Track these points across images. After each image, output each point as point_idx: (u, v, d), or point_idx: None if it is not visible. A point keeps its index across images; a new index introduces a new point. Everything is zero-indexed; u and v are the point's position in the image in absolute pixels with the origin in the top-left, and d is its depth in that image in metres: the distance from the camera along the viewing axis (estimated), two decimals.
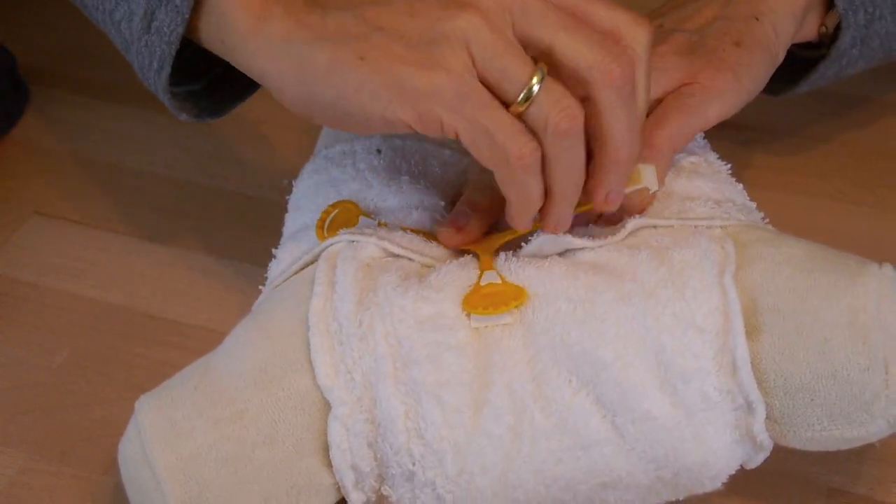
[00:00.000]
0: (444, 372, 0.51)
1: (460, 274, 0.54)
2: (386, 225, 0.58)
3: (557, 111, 0.49)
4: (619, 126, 0.50)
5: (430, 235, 0.57)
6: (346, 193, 0.60)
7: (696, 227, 0.55)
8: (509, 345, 0.52)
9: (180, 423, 0.51)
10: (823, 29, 0.64)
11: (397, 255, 0.56)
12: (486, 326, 0.52)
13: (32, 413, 0.62)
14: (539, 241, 0.54)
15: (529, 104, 0.49)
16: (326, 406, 0.52)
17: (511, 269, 0.54)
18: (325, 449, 0.52)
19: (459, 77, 0.49)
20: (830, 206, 0.72)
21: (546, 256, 0.54)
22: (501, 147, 0.49)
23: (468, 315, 0.52)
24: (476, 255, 0.56)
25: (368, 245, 0.56)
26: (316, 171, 0.63)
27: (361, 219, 0.58)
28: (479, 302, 0.52)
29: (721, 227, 0.55)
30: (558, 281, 0.52)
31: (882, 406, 0.50)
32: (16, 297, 0.69)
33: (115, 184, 0.75)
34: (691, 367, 0.50)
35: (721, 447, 0.51)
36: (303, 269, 0.57)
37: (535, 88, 0.49)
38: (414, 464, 0.51)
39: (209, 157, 0.76)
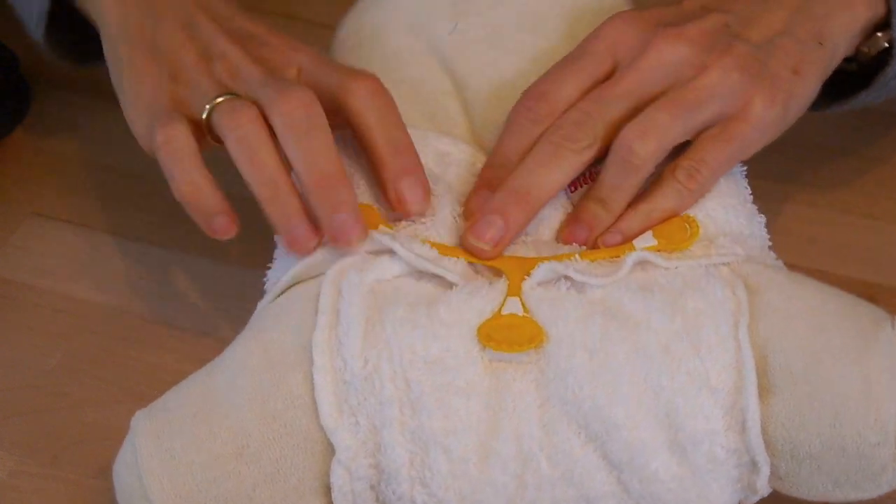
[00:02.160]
0: (453, 419, 0.50)
1: (475, 302, 0.52)
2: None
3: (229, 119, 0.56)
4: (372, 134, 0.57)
5: (452, 250, 0.55)
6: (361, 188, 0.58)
7: (705, 266, 0.54)
8: (521, 388, 0.51)
9: (179, 455, 0.50)
10: (865, 49, 0.63)
11: (411, 271, 0.54)
12: (500, 361, 0.51)
13: (25, 415, 0.62)
14: (542, 271, 0.53)
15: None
16: (330, 447, 0.51)
17: (530, 299, 0.53)
18: (327, 489, 0.51)
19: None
20: (836, 217, 0.71)
21: (555, 286, 0.53)
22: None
23: (483, 347, 0.51)
24: (501, 272, 0.54)
25: (379, 265, 0.54)
26: None
27: (380, 230, 0.55)
28: (496, 334, 0.51)
29: (728, 264, 0.54)
30: (574, 324, 0.51)
31: (889, 477, 0.51)
32: (11, 299, 0.68)
33: (114, 186, 0.74)
34: (702, 430, 0.50)
35: (723, 501, 0.52)
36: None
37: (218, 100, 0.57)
38: None
39: (209, 159, 0.75)
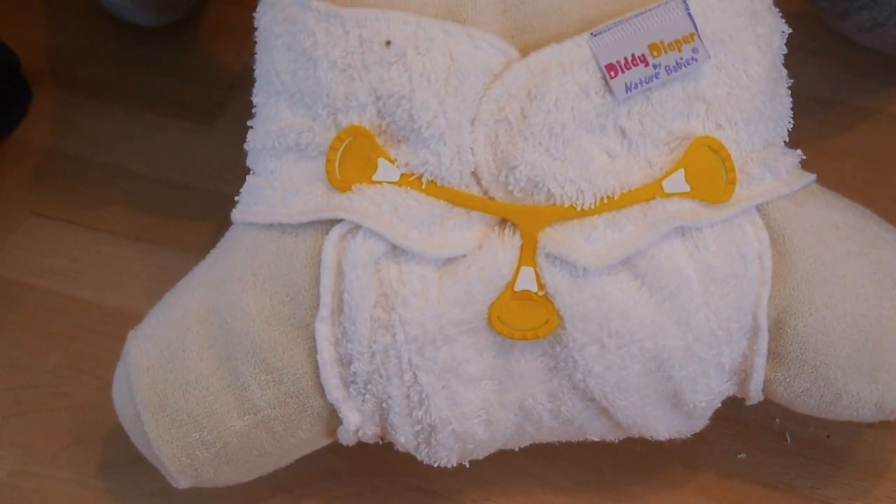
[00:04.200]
0: (461, 406, 0.51)
1: (484, 281, 0.50)
2: (410, 180, 0.51)
3: None
4: None
5: (462, 197, 0.51)
6: (350, 107, 0.52)
7: (734, 219, 0.51)
8: (529, 365, 0.51)
9: (186, 428, 0.52)
10: None
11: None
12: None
13: (25, 415, 0.62)
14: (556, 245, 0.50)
15: None
16: (338, 416, 0.53)
17: (546, 274, 0.50)
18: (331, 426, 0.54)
19: None
20: None
21: (578, 266, 0.50)
22: None
23: (494, 331, 0.50)
24: (517, 229, 0.50)
25: (381, 231, 0.50)
26: (291, 22, 0.53)
27: (380, 163, 0.51)
28: (508, 316, 0.50)
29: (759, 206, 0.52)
30: (590, 313, 0.50)
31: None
32: (12, 299, 0.68)
33: (114, 186, 0.74)
34: (706, 400, 0.53)
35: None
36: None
37: None
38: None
39: (209, 159, 0.76)
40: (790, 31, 0.55)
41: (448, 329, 0.50)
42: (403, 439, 0.53)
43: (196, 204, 0.73)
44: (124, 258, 0.70)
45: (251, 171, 0.55)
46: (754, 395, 0.53)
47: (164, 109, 0.76)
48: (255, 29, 0.56)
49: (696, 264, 0.50)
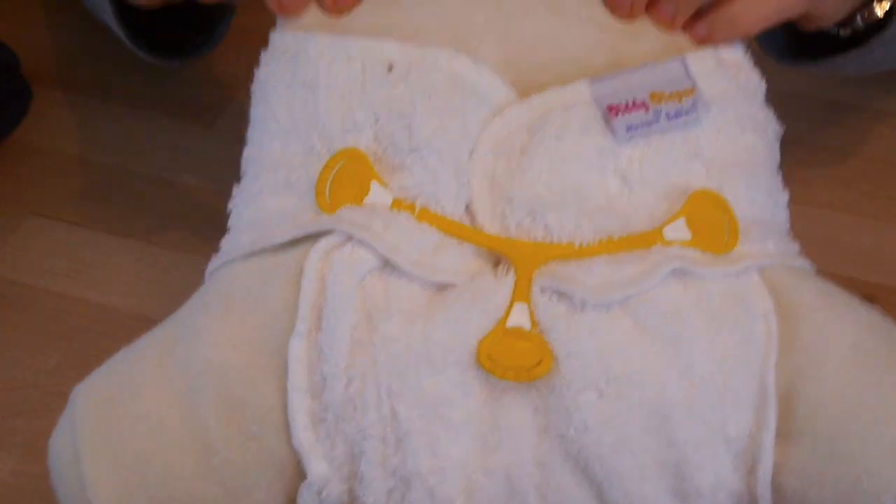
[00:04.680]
0: (441, 457, 0.46)
1: (475, 313, 0.47)
2: (402, 204, 0.49)
3: None
4: None
5: (457, 228, 0.49)
6: (347, 131, 0.51)
7: (737, 276, 0.49)
8: (518, 417, 0.46)
9: (128, 465, 0.46)
10: (865, 14, 0.61)
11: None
12: (499, 383, 0.47)
13: (25, 415, 0.62)
14: (552, 281, 0.48)
15: None
16: (301, 468, 0.46)
17: (541, 309, 0.47)
18: (293, 501, 0.47)
19: None
20: (835, 217, 0.71)
21: (575, 299, 0.47)
22: None
23: (482, 368, 0.46)
24: (511, 265, 0.48)
25: (369, 250, 0.47)
26: (293, 60, 0.52)
27: (373, 186, 0.49)
28: (498, 353, 0.46)
29: (759, 268, 0.50)
30: (588, 355, 0.46)
31: None
32: (12, 299, 0.68)
33: (114, 186, 0.74)
34: (710, 482, 0.47)
35: None
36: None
37: None
38: None
39: (210, 159, 0.76)
40: (783, 128, 0.56)
41: (434, 355, 0.46)
42: (373, 499, 0.46)
43: (196, 204, 0.73)
44: (124, 258, 0.70)
45: (230, 229, 0.53)
46: (762, 489, 0.47)
47: (164, 109, 0.76)
48: (253, 82, 0.55)
49: (699, 313, 0.47)
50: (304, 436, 0.46)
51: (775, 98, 0.68)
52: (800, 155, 0.74)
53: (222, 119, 0.78)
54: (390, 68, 0.50)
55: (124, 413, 0.46)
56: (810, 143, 0.75)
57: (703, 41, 0.54)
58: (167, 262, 0.70)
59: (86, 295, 0.68)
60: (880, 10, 0.62)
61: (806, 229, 0.70)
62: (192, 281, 0.68)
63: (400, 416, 0.46)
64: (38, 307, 0.68)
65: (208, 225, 0.72)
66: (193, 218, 0.72)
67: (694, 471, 0.47)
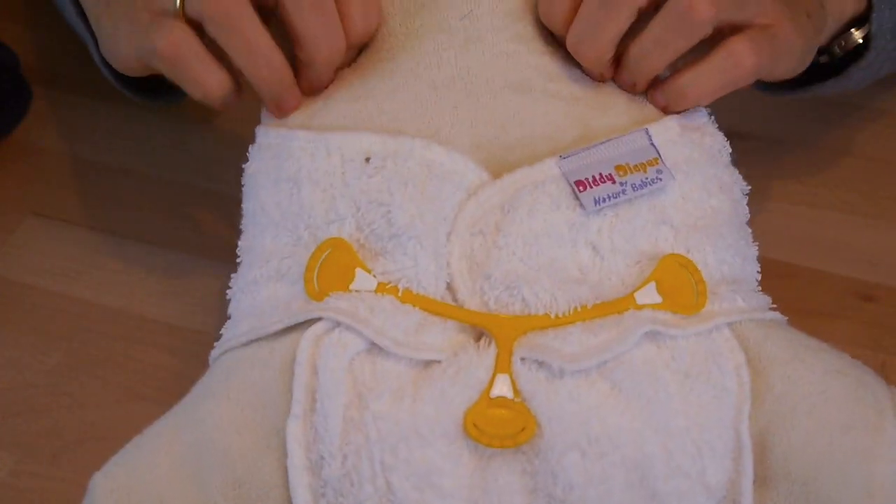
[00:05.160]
0: None
1: (460, 387, 0.49)
2: (385, 287, 0.52)
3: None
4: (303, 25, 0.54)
5: (439, 307, 0.52)
6: (331, 221, 0.54)
7: (709, 332, 0.51)
8: (507, 481, 0.49)
9: None
10: (842, 43, 0.64)
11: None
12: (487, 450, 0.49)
13: (24, 415, 0.62)
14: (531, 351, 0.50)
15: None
16: None
17: (522, 378, 0.50)
18: None
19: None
20: (835, 217, 0.71)
21: (554, 368, 0.50)
22: None
23: (469, 437, 0.49)
24: (492, 338, 0.51)
25: (357, 333, 0.50)
26: (277, 156, 0.56)
27: (357, 273, 0.53)
28: (483, 423, 0.49)
29: (731, 324, 0.52)
30: (569, 419, 0.49)
31: None
32: (11, 298, 0.68)
33: (114, 186, 0.74)
34: None
35: None
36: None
37: None
38: None
39: (210, 160, 0.76)
40: (749, 188, 0.57)
41: (423, 428, 0.48)
42: None
43: (196, 204, 0.73)
44: (124, 258, 0.70)
45: (229, 317, 0.56)
46: None
47: (164, 109, 0.76)
48: (243, 178, 0.58)
49: (672, 373, 0.50)
50: None
51: (775, 98, 0.68)
52: (800, 155, 0.74)
53: (222, 119, 0.78)
54: (368, 160, 0.54)
55: (139, 499, 0.49)
56: (810, 143, 0.75)
57: (664, 110, 0.56)
58: (167, 262, 0.70)
59: (86, 295, 0.68)
60: (859, 36, 0.63)
61: (806, 229, 0.70)
62: (192, 281, 0.69)
63: (394, 487, 0.48)
64: (37, 307, 0.68)
65: (208, 225, 0.72)
66: (193, 218, 0.72)
67: None
